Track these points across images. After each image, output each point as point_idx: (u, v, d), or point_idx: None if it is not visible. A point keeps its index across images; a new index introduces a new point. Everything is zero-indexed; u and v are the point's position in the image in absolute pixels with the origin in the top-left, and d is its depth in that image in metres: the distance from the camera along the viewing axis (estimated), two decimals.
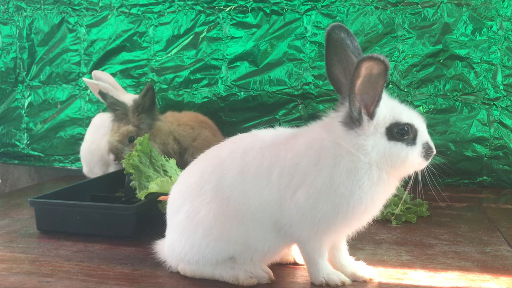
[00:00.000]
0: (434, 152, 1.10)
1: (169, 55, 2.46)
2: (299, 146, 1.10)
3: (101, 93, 2.02)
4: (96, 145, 2.18)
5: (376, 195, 1.06)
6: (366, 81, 1.00)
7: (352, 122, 1.06)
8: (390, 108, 1.07)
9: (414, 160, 1.07)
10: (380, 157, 1.05)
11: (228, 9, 2.37)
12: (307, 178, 1.05)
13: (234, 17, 2.36)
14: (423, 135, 1.08)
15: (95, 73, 2.14)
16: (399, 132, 1.05)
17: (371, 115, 1.05)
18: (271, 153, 1.10)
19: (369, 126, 1.05)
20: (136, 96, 2.06)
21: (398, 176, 1.10)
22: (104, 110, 2.50)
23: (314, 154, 1.07)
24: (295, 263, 1.26)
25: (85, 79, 2.09)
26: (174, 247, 1.16)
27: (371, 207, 1.07)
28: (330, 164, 1.05)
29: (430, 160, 1.10)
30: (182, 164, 2.05)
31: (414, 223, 1.62)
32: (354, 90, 1.02)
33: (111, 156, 1.99)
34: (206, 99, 2.44)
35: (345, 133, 1.07)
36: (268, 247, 1.12)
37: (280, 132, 1.18)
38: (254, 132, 1.20)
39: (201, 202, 1.12)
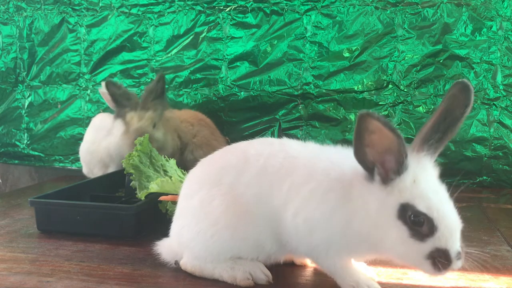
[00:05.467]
0: (453, 266, 0.90)
1: (169, 55, 2.46)
2: (318, 166, 1.06)
3: (110, 83, 1.98)
4: (97, 146, 2.18)
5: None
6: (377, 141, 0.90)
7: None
8: (423, 188, 0.90)
9: (410, 256, 0.93)
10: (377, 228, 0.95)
11: (228, 9, 2.37)
12: (311, 203, 1.03)
13: (234, 17, 2.36)
14: (445, 240, 0.89)
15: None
16: (414, 220, 0.89)
17: (384, 180, 0.93)
18: (290, 165, 1.09)
19: (381, 190, 0.94)
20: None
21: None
22: (105, 111, 2.51)
23: (327, 183, 1.02)
24: (295, 263, 1.26)
25: (101, 90, 2.06)
26: (183, 232, 1.17)
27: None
28: (335, 202, 1.00)
29: (443, 273, 0.91)
30: (182, 161, 2.06)
31: None
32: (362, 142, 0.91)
33: None
34: (206, 99, 2.44)
35: (362, 177, 0.97)
36: (275, 251, 1.13)
37: (309, 147, 1.15)
38: (285, 140, 1.18)
39: (217, 192, 1.12)
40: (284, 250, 1.13)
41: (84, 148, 2.24)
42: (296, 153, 1.12)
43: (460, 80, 0.94)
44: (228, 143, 2.29)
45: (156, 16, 2.46)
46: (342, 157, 1.06)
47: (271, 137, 2.35)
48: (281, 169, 1.09)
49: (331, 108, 2.30)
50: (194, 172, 1.24)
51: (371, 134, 0.88)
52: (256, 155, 1.13)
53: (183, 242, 1.18)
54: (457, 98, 0.93)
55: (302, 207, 1.03)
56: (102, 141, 2.16)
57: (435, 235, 0.89)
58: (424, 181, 0.91)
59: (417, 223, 0.89)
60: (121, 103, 2.00)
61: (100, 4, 2.53)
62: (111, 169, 2.15)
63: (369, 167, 0.94)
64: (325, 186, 1.02)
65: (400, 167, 0.90)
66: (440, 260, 0.89)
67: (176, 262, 1.21)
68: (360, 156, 0.93)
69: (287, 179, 1.07)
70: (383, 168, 0.93)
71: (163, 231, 1.29)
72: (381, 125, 0.86)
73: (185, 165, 1.97)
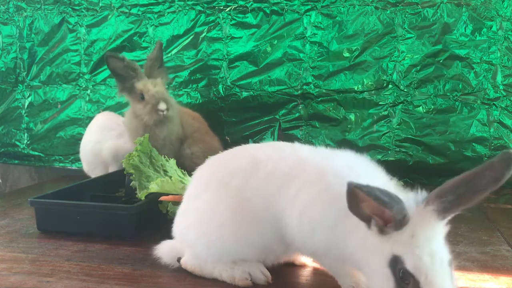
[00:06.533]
0: None
1: (169, 55, 2.46)
2: (329, 169, 1.03)
3: (111, 57, 1.93)
4: (101, 146, 2.17)
5: None
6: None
7: None
8: (420, 247, 0.83)
9: None
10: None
11: (228, 9, 2.37)
12: (317, 205, 1.01)
13: (234, 17, 2.36)
14: None
15: None
16: (402, 276, 0.83)
17: (381, 231, 0.86)
18: (300, 167, 1.07)
19: (378, 235, 0.87)
20: None
21: None
22: (105, 110, 2.51)
23: (338, 187, 0.94)
24: (295, 263, 1.26)
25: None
26: (188, 231, 1.17)
27: None
28: (340, 212, 0.94)
29: None
30: (179, 155, 2.05)
31: None
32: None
33: (163, 105, 1.90)
34: (206, 99, 2.44)
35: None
36: (282, 251, 1.13)
37: (320, 151, 1.14)
38: (296, 145, 1.17)
39: (225, 194, 1.12)
40: (290, 249, 1.13)
41: (87, 148, 2.23)
42: (306, 156, 1.10)
43: (506, 150, 0.81)
44: (228, 142, 2.31)
45: (156, 16, 2.46)
46: (356, 164, 1.03)
47: (271, 137, 2.35)
48: (290, 172, 1.07)
49: (331, 108, 2.30)
50: (201, 172, 1.24)
51: (362, 202, 0.84)
52: (265, 160, 1.12)
53: (186, 240, 1.18)
54: (492, 168, 0.81)
55: (308, 206, 1.02)
56: (107, 142, 2.16)
57: None
58: (423, 240, 0.83)
59: (404, 279, 0.82)
60: (125, 77, 1.94)
61: (100, 4, 2.53)
62: (111, 169, 2.15)
63: (365, 219, 0.87)
64: (334, 191, 0.96)
65: (398, 225, 0.83)
66: None
67: (179, 259, 1.21)
68: (355, 210, 0.85)
69: (296, 179, 1.05)
70: (381, 219, 0.86)
71: (163, 231, 1.30)
72: (367, 197, 0.81)
73: (183, 161, 1.97)
